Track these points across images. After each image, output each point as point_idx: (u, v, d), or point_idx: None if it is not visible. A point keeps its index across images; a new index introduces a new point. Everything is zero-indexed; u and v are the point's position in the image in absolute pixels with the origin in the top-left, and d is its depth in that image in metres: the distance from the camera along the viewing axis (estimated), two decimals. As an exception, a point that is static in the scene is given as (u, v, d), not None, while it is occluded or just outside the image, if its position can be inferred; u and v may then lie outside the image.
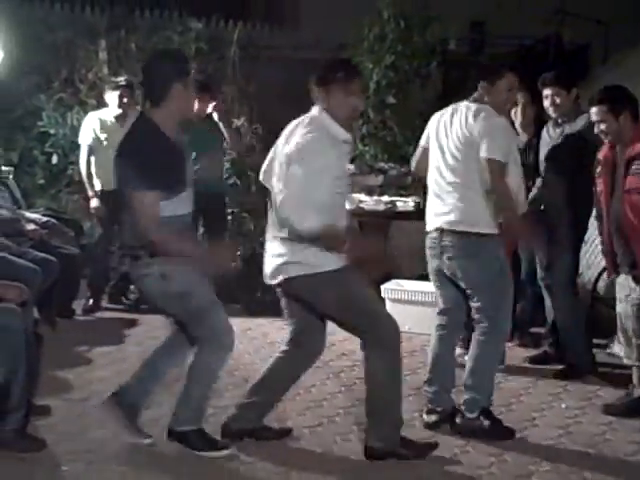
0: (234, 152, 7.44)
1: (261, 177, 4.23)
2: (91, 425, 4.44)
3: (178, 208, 3.91)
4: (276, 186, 3.97)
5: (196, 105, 6.02)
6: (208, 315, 3.97)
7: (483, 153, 4.25)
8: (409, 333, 5.76)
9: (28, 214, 6.62)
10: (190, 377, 4.05)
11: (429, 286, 5.90)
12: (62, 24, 8.26)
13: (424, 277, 5.86)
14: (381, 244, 6.79)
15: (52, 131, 7.90)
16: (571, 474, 3.98)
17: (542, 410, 4.81)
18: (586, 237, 5.53)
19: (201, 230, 6.71)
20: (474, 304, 4.39)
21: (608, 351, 5.68)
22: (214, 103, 6.67)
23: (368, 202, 7.15)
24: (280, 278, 4.02)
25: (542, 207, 5.47)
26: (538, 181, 5.52)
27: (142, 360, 4.31)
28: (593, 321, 5.66)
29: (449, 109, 4.50)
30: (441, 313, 4.59)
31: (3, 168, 6.88)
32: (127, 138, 3.96)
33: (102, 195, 6.85)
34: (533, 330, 6.05)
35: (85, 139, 6.93)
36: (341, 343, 5.64)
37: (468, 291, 4.40)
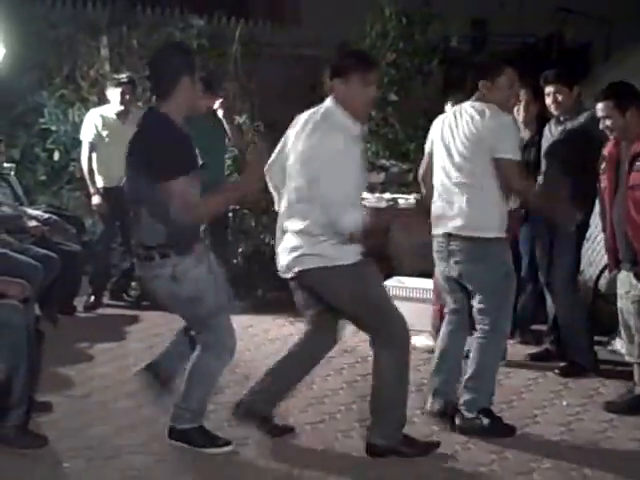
0: (236, 149, 7.43)
1: (266, 169, 4.17)
2: (92, 422, 4.45)
3: None
4: (296, 182, 3.93)
5: (197, 101, 6.02)
6: (214, 320, 3.98)
7: (498, 154, 4.23)
8: (410, 330, 5.74)
9: (30, 211, 6.62)
10: (192, 378, 4.04)
11: (430, 283, 5.94)
12: (64, 20, 8.24)
13: (425, 274, 5.88)
14: (384, 241, 6.80)
15: (54, 128, 7.89)
16: (572, 471, 3.98)
17: (543, 407, 4.81)
18: (588, 234, 5.53)
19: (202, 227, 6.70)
20: (477, 305, 4.39)
21: (609, 348, 5.68)
22: (221, 100, 6.69)
23: (370, 199, 7.15)
24: (296, 270, 4.00)
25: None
26: (539, 178, 5.52)
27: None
28: (594, 318, 5.67)
29: (451, 111, 4.50)
30: (451, 313, 4.60)
31: (5, 165, 6.87)
32: (140, 133, 3.93)
33: (104, 192, 6.86)
34: (534, 327, 6.04)
35: (87, 136, 6.93)
36: (343, 340, 5.63)
37: (472, 293, 4.41)
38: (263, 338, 6.20)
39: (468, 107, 4.38)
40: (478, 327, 4.41)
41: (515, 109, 5.56)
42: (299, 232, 3.95)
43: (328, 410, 4.69)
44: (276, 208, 4.27)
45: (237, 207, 7.58)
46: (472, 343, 4.47)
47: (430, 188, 4.54)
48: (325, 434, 4.37)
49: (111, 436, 4.25)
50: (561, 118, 5.36)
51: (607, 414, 4.67)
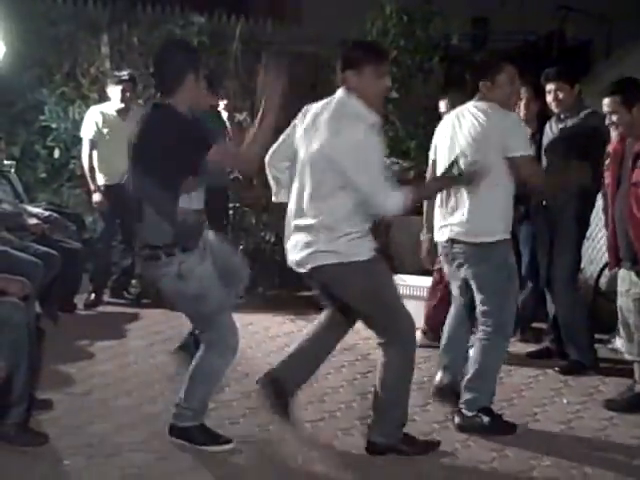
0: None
1: (267, 159, 4.13)
2: (93, 419, 4.44)
3: (193, 203, 3.96)
4: (311, 177, 3.87)
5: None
6: (218, 318, 3.99)
7: (510, 153, 4.21)
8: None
9: (30, 208, 6.62)
10: (194, 377, 4.04)
11: (431, 281, 5.94)
12: (64, 18, 8.24)
13: (426, 272, 5.88)
14: (385, 240, 6.81)
15: (54, 125, 7.89)
16: (572, 469, 3.98)
17: (543, 405, 4.81)
18: (588, 233, 5.53)
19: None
20: (480, 307, 4.39)
21: (610, 346, 5.68)
22: (226, 101, 6.73)
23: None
24: (309, 267, 3.94)
25: (544, 203, 5.47)
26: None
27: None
28: (595, 316, 5.67)
29: (453, 113, 4.48)
30: (460, 305, 4.63)
31: (5, 162, 6.86)
32: (150, 129, 3.88)
33: (104, 189, 6.86)
34: (535, 325, 6.04)
35: (87, 133, 6.93)
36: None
37: (476, 293, 4.41)
38: (264, 336, 6.21)
39: (471, 107, 4.36)
40: (481, 328, 4.40)
41: (516, 107, 5.56)
42: (312, 228, 3.89)
43: (328, 408, 4.69)
44: (274, 199, 4.23)
45: (237, 204, 7.59)
46: (474, 343, 4.47)
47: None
48: (325, 432, 4.37)
49: (111, 434, 4.25)
50: (562, 116, 5.36)
51: (607, 412, 4.67)
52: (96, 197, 6.90)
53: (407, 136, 8.32)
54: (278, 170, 4.13)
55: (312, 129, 3.92)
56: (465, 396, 4.39)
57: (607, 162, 4.69)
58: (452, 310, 4.69)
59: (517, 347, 5.77)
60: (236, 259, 4.47)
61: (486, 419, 4.34)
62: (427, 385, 4.96)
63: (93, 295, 6.96)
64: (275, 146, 4.12)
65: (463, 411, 4.38)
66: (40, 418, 4.32)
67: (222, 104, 6.69)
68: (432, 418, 4.54)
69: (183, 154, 3.74)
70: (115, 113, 6.85)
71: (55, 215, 6.69)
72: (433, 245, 4.70)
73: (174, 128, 3.79)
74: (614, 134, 4.69)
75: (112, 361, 5.49)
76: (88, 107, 7.30)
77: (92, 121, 6.90)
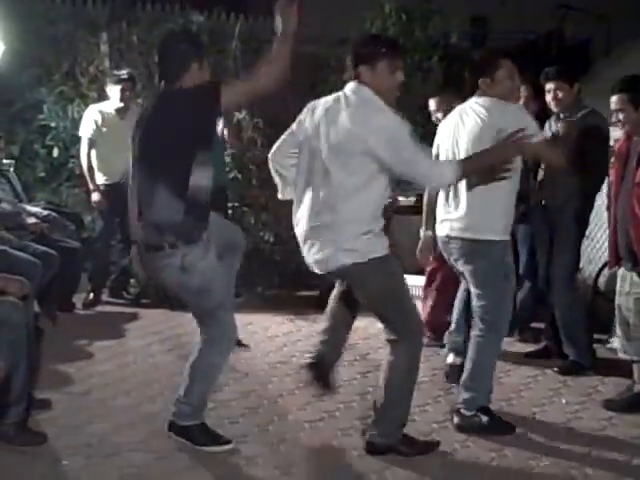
0: (233, 149, 7.42)
1: (271, 155, 4.12)
2: (92, 419, 4.44)
3: (201, 179, 3.85)
4: (334, 173, 3.81)
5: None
6: (219, 313, 3.99)
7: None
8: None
9: (29, 207, 6.62)
10: (194, 375, 4.04)
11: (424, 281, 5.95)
12: (63, 17, 8.22)
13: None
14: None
15: (53, 124, 7.88)
16: (571, 469, 3.97)
17: (542, 405, 4.80)
18: (587, 232, 5.53)
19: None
20: (476, 301, 4.40)
21: (608, 346, 5.67)
22: None
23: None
24: (330, 268, 3.90)
25: (543, 202, 5.46)
26: (540, 175, 5.50)
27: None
28: (594, 316, 5.67)
29: (455, 112, 4.47)
30: (467, 289, 4.66)
31: (4, 161, 6.86)
32: (163, 109, 3.86)
33: (103, 188, 6.86)
34: (533, 325, 6.04)
35: (86, 132, 6.92)
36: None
37: (472, 288, 4.42)
38: (263, 335, 6.20)
39: (473, 104, 4.35)
40: (476, 325, 4.40)
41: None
42: (325, 228, 3.85)
43: (327, 408, 4.68)
44: (280, 197, 4.22)
45: (236, 204, 7.59)
46: (470, 340, 4.47)
47: (434, 194, 4.54)
48: (324, 432, 4.37)
49: (110, 434, 4.25)
50: (561, 115, 5.36)
51: (606, 412, 4.67)
52: (95, 196, 6.89)
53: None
54: (283, 167, 4.12)
55: (327, 123, 3.86)
56: (463, 395, 4.39)
57: (612, 160, 4.68)
58: (459, 294, 4.81)
59: (516, 347, 5.77)
60: (229, 227, 4.46)
61: (485, 419, 4.34)
62: (427, 385, 4.97)
63: (92, 295, 6.96)
64: (279, 142, 4.11)
65: (462, 411, 4.38)
66: (39, 418, 4.32)
67: None
68: (431, 418, 4.54)
69: (199, 121, 3.76)
70: (114, 112, 6.84)
71: (54, 214, 6.69)
72: (432, 243, 4.70)
73: (188, 98, 3.79)
74: (618, 133, 4.67)
75: (111, 361, 5.49)
76: (87, 106, 7.29)
77: (91, 120, 6.89)
